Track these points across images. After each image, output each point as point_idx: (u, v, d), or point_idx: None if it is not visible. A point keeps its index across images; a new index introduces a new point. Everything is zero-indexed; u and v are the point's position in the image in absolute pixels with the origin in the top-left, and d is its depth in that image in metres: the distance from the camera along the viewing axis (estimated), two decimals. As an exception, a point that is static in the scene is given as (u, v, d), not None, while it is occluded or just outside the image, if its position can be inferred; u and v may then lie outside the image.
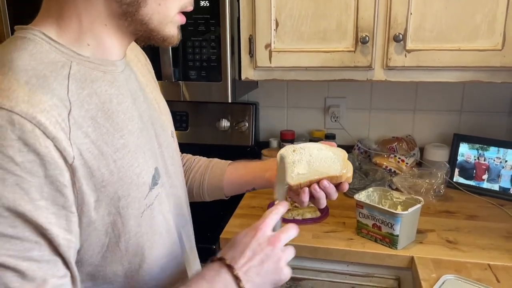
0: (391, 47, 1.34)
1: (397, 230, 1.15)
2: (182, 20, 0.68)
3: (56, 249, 0.54)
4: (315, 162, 0.78)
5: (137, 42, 0.70)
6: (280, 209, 0.71)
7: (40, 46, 0.59)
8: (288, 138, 1.72)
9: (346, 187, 0.80)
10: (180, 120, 1.77)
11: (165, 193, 0.73)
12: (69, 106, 0.57)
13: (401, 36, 1.32)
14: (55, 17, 0.61)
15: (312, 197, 0.78)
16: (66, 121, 0.55)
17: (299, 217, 1.35)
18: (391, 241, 1.18)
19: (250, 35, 1.41)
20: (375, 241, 1.21)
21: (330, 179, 0.78)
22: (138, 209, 0.65)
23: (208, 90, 1.40)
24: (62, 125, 0.54)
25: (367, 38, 1.34)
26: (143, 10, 0.62)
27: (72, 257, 0.57)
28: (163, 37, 0.66)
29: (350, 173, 0.79)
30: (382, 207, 1.18)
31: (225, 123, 1.71)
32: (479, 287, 1.00)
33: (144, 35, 0.66)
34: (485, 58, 1.29)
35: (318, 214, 1.37)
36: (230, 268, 0.63)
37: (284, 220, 1.31)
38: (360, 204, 1.22)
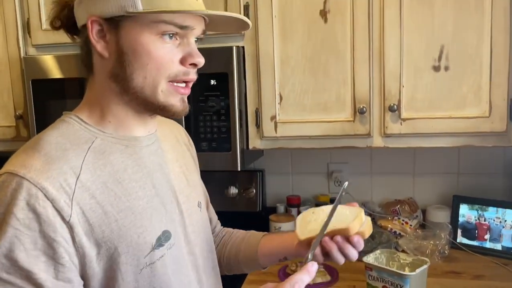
0: (387, 116, 1.46)
1: (407, 291, 1.19)
2: (181, 91, 0.74)
3: None
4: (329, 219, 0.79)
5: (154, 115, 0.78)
6: (313, 268, 0.69)
7: (72, 126, 0.73)
8: (294, 203, 1.78)
9: (357, 241, 0.78)
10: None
11: (177, 255, 0.78)
12: (79, 173, 0.68)
13: (395, 106, 1.43)
14: (87, 104, 0.77)
15: (327, 254, 0.80)
16: (72, 185, 0.66)
17: (310, 282, 1.38)
18: (401, 302, 1.20)
19: (257, 108, 1.53)
20: (386, 303, 1.24)
21: (338, 232, 0.78)
22: (137, 266, 0.72)
23: (218, 159, 1.50)
24: (66, 188, 0.66)
25: (364, 109, 1.45)
26: (132, 84, 0.71)
27: None
28: (164, 107, 0.73)
29: (359, 227, 0.79)
30: (391, 269, 1.22)
31: (233, 190, 1.79)
32: None
33: (149, 108, 0.74)
34: (475, 125, 1.40)
35: (329, 278, 1.40)
36: None
37: (295, 285, 1.34)
38: (369, 267, 1.26)
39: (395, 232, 1.64)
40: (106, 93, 0.74)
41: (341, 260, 0.80)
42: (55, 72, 1.59)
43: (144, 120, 0.78)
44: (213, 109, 1.47)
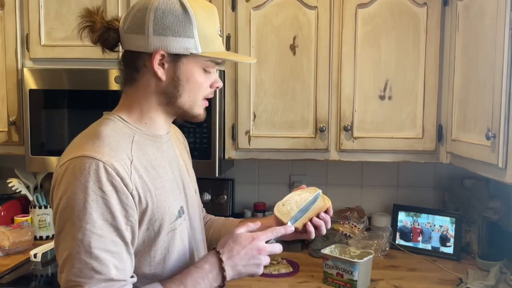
0: (342, 135, 1.76)
1: (356, 276, 1.46)
2: (206, 104, 1.01)
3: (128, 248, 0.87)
4: (303, 205, 1.07)
5: (176, 120, 1.03)
6: (281, 230, 0.99)
7: (117, 124, 0.96)
8: (260, 208, 2.03)
9: (331, 212, 1.10)
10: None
11: (185, 226, 1.03)
12: (132, 159, 0.91)
13: (349, 127, 1.74)
14: (127, 107, 0.99)
15: (315, 227, 1.07)
16: (129, 167, 0.89)
17: (276, 272, 1.62)
18: (351, 286, 1.47)
19: (233, 123, 1.78)
20: (339, 287, 1.50)
21: (321, 210, 1.07)
22: (166, 230, 0.95)
23: (199, 166, 1.71)
24: (126, 170, 0.88)
25: (324, 128, 1.74)
26: (180, 100, 0.97)
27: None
28: (193, 116, 1.00)
29: (330, 202, 1.09)
30: (344, 258, 1.49)
31: (207, 196, 2.01)
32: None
33: (180, 115, 1.00)
34: (411, 144, 1.73)
35: (291, 269, 1.65)
36: (218, 253, 0.93)
37: (263, 275, 1.58)
38: (325, 257, 1.53)
39: (345, 234, 1.92)
40: (150, 103, 0.97)
41: (324, 231, 1.09)
42: (52, 83, 1.75)
43: (168, 123, 1.02)
44: (197, 123, 1.69)
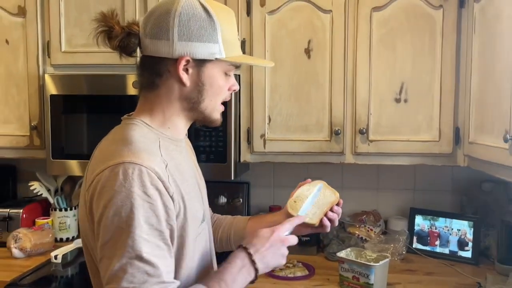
0: (357, 138, 1.75)
1: (372, 279, 1.45)
2: (223, 108, 1.03)
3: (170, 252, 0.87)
4: (314, 201, 1.12)
5: (193, 124, 1.04)
6: (295, 221, 1.04)
7: (142, 128, 0.95)
8: (276, 211, 2.03)
9: (341, 203, 1.16)
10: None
11: (207, 230, 1.05)
12: (166, 163, 0.91)
13: (364, 130, 1.73)
14: (148, 112, 0.98)
15: (330, 221, 1.12)
16: (165, 171, 0.89)
17: (291, 275, 1.63)
18: (367, 289, 1.47)
19: (248, 127, 1.79)
20: (355, 291, 1.50)
21: (333, 203, 1.13)
22: (193, 234, 0.96)
23: (215, 170, 1.74)
24: (164, 174, 0.88)
25: (339, 131, 1.74)
26: (202, 105, 0.97)
27: None
28: (212, 121, 1.01)
29: (338, 193, 1.16)
30: (360, 261, 1.49)
31: (222, 200, 2.02)
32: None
33: (200, 120, 1.01)
34: (428, 147, 1.72)
35: (307, 272, 1.65)
36: (245, 249, 0.96)
37: (279, 277, 1.59)
38: (341, 260, 1.52)
39: (361, 237, 1.91)
40: (173, 108, 0.97)
41: (337, 223, 1.15)
42: (72, 89, 1.80)
43: (186, 128, 1.03)
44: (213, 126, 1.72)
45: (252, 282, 0.96)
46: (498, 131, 1.37)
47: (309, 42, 1.74)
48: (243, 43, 1.76)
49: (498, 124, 1.39)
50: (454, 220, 1.87)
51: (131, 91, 1.75)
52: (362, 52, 1.72)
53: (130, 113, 1.00)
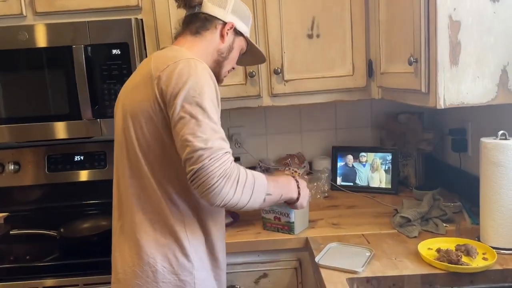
0: (273, 79, 1.70)
1: (292, 218, 1.44)
2: (227, 75, 1.35)
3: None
4: None
5: None
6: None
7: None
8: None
9: None
10: (98, 159, 1.93)
11: None
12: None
13: (279, 70, 1.68)
14: (188, 48, 1.22)
15: None
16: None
17: (214, 224, 1.58)
18: (289, 228, 1.46)
19: (158, 76, 1.67)
20: (278, 231, 1.48)
21: None
22: None
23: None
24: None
25: (253, 73, 1.68)
26: (225, 63, 1.30)
27: None
28: (220, 79, 1.31)
29: None
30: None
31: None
32: (354, 247, 1.31)
33: (215, 73, 1.20)
34: (343, 82, 1.70)
35: (230, 219, 1.61)
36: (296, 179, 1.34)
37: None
38: (262, 202, 1.49)
39: (287, 180, 1.90)
40: (208, 53, 1.25)
41: None
42: None
43: None
44: (115, 76, 1.58)
45: (291, 201, 1.32)
46: (405, 57, 1.36)
47: (213, -22, 1.62)
48: None
49: (404, 50, 1.38)
50: (375, 154, 1.90)
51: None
52: (270, -13, 1.63)
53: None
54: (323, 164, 1.96)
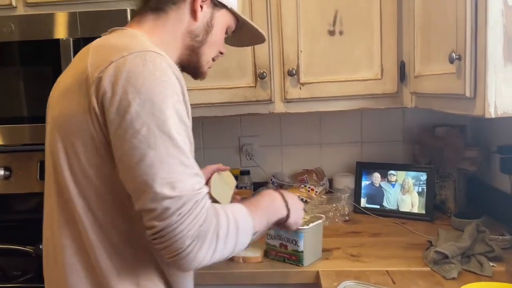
0: (287, 81, 1.47)
1: (301, 246, 1.19)
2: (211, 65, 1.03)
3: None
4: None
5: (180, 67, 0.92)
6: None
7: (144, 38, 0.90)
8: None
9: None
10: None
11: None
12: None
13: (294, 71, 1.45)
14: (146, 31, 0.90)
15: None
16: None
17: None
18: (297, 258, 1.21)
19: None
20: (283, 261, 1.24)
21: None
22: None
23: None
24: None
25: (264, 74, 1.46)
26: (202, 48, 0.96)
27: None
28: (201, 72, 1.01)
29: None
30: (285, 225, 1.22)
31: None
32: (374, 289, 1.05)
33: (191, 65, 0.97)
34: (369, 87, 1.45)
35: (230, 243, 1.38)
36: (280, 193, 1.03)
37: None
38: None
39: (302, 199, 1.65)
40: (174, 41, 0.93)
41: None
42: None
43: None
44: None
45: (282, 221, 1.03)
46: (444, 53, 1.10)
47: (221, -35, 1.42)
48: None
49: (444, 45, 1.12)
50: (406, 173, 1.63)
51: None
52: (285, -25, 1.42)
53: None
54: (345, 183, 1.70)
